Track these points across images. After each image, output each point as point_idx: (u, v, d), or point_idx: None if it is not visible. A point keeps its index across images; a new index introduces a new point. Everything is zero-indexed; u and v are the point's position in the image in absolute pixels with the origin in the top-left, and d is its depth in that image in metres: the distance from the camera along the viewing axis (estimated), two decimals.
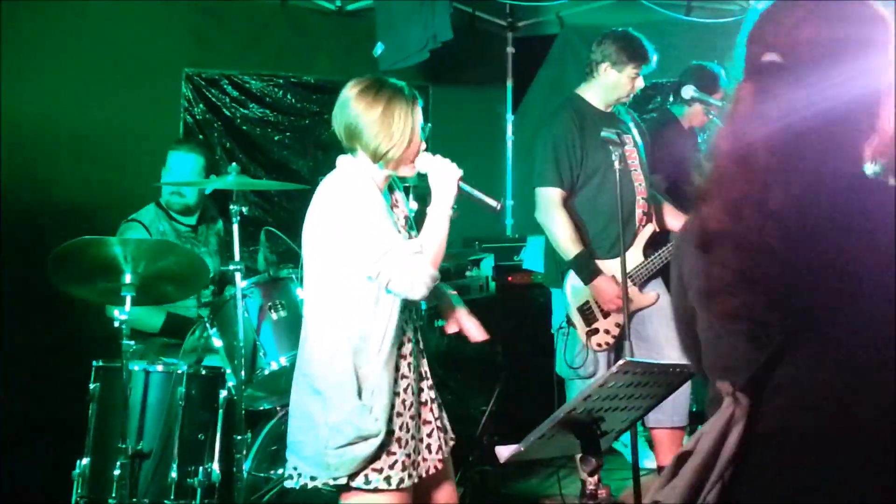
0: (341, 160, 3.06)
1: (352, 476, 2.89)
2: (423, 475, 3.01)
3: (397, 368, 2.97)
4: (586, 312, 4.47)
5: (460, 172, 3.00)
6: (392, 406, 2.94)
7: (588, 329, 4.46)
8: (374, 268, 2.86)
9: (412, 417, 3.00)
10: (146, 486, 3.82)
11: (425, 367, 3.15)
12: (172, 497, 3.82)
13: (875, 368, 1.54)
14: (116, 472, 3.69)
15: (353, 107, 2.95)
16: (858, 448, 1.54)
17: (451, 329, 3.31)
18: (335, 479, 2.91)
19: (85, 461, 3.84)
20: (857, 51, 1.61)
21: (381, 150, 2.93)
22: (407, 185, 3.41)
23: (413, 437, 2.99)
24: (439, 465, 3.05)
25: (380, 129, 2.92)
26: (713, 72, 5.12)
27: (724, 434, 1.61)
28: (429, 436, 3.06)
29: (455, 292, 3.41)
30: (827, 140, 1.58)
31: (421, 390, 3.08)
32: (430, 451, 3.05)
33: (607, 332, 4.45)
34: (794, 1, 1.69)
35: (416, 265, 2.86)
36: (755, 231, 1.56)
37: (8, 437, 4.53)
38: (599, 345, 4.46)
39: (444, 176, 2.98)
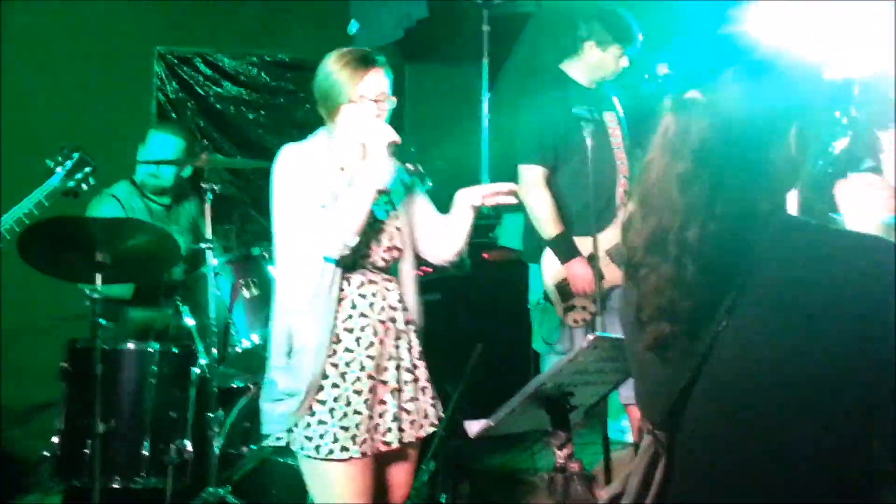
0: (316, 132, 3.09)
1: (291, 440, 2.94)
2: (368, 453, 2.96)
3: (338, 340, 2.96)
4: (564, 289, 4.47)
5: (393, 137, 2.91)
6: (324, 376, 2.93)
7: (565, 305, 4.47)
8: (295, 227, 2.93)
9: (357, 392, 2.95)
10: (118, 464, 3.83)
11: (403, 350, 3.09)
12: (145, 474, 3.83)
13: (758, 405, 1.56)
14: (87, 451, 3.69)
15: (319, 69, 2.99)
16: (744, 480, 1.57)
17: (490, 201, 3.20)
18: (274, 436, 2.98)
19: (57, 439, 3.83)
20: (776, 97, 1.64)
21: (326, 106, 2.96)
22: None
23: (356, 413, 2.94)
24: (383, 448, 3.00)
25: (330, 86, 2.94)
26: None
27: (649, 472, 1.68)
28: (380, 416, 3.01)
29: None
30: (744, 180, 1.59)
31: (385, 369, 3.03)
32: (377, 431, 3.00)
33: (584, 308, 4.45)
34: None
35: (331, 222, 2.87)
36: (673, 264, 1.57)
37: None
38: (576, 321, 4.47)
39: (373, 139, 2.90)
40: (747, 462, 1.55)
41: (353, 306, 3.00)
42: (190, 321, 3.97)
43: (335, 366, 2.95)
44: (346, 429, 2.92)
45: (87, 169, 3.70)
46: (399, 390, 3.06)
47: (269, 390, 2.99)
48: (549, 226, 4.39)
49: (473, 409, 3.62)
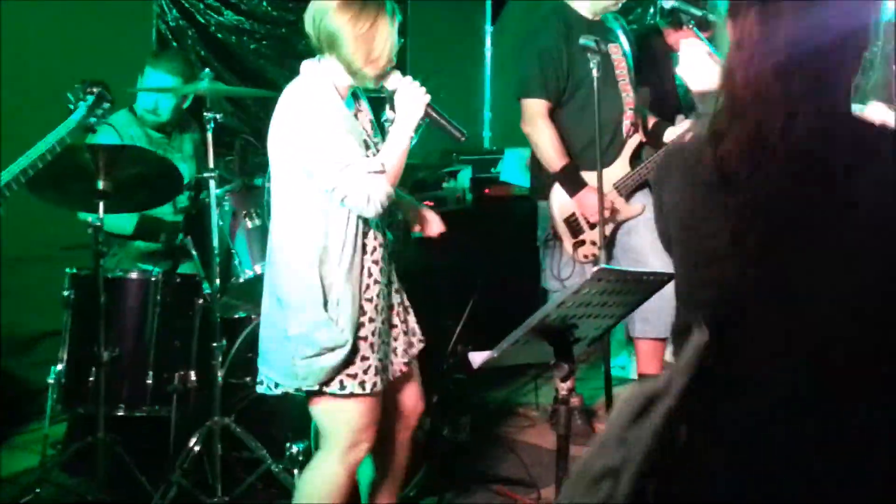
0: (305, 65, 3.01)
1: (325, 383, 2.93)
2: (391, 378, 3.06)
3: (370, 274, 2.99)
4: (572, 224, 4.47)
5: (428, 97, 2.97)
6: (362, 313, 2.96)
7: (575, 241, 4.47)
8: (331, 182, 2.85)
9: (383, 322, 3.03)
10: (122, 392, 3.85)
11: (393, 273, 3.17)
12: (149, 403, 3.85)
13: (833, 336, 1.54)
14: (91, 379, 3.71)
15: (336, 17, 2.88)
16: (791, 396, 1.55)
17: (428, 231, 3.33)
18: (308, 387, 2.95)
19: (60, 367, 3.84)
20: None
21: (357, 65, 2.91)
22: (383, 94, 3.36)
23: (384, 343, 3.03)
24: (404, 368, 3.11)
25: (361, 45, 2.88)
26: None
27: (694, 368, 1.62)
28: (395, 339, 3.12)
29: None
30: (831, 69, 1.57)
31: (390, 294, 3.11)
32: (395, 355, 3.11)
33: (594, 243, 4.43)
34: None
35: (373, 182, 2.86)
36: (775, 170, 1.54)
37: None
38: (586, 256, 4.47)
39: (413, 98, 2.95)
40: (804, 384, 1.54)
41: (375, 238, 3.02)
42: (193, 250, 3.96)
43: (370, 300, 2.98)
44: (381, 360, 2.98)
45: (106, 105, 3.58)
46: (401, 312, 3.16)
47: (299, 348, 2.91)
48: (554, 159, 4.37)
49: (473, 343, 3.64)
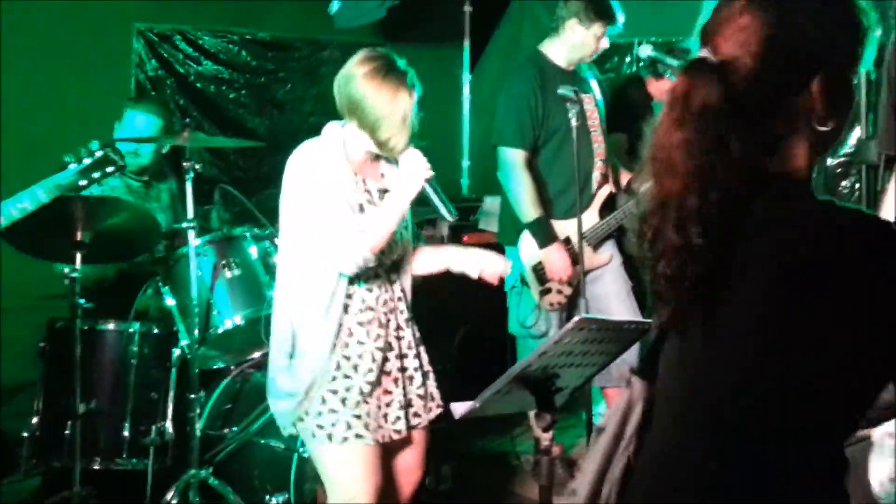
0: (327, 127, 3.09)
1: (301, 430, 3.05)
2: (380, 440, 3.06)
3: (350, 334, 3.03)
4: (540, 272, 4.48)
5: (431, 174, 3.00)
6: (336, 368, 3.00)
7: (541, 288, 4.48)
8: (313, 236, 2.96)
9: (369, 383, 3.03)
10: (98, 445, 3.81)
11: (405, 340, 3.18)
12: (125, 456, 3.82)
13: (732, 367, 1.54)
14: (67, 432, 3.66)
15: (361, 85, 2.93)
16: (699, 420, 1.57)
17: (492, 273, 3.33)
18: (287, 429, 3.10)
19: (35, 420, 3.80)
20: (785, 50, 1.53)
21: (380, 135, 2.94)
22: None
23: (366, 402, 3.03)
24: (394, 436, 3.10)
25: (384, 115, 2.92)
26: None
27: (625, 415, 1.70)
28: (387, 405, 3.10)
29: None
30: (745, 145, 1.52)
31: (386, 360, 3.10)
32: (385, 420, 3.09)
33: (560, 291, 4.46)
34: None
35: (351, 242, 2.91)
36: (677, 230, 1.54)
37: None
38: (552, 304, 4.48)
39: (415, 170, 2.98)
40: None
41: (363, 301, 3.06)
42: (170, 301, 3.94)
43: (347, 358, 3.03)
44: (358, 417, 3.00)
45: (110, 168, 3.44)
46: (410, 378, 3.17)
47: (272, 388, 3.09)
48: (528, 209, 4.39)
49: (453, 391, 3.63)
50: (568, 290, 4.43)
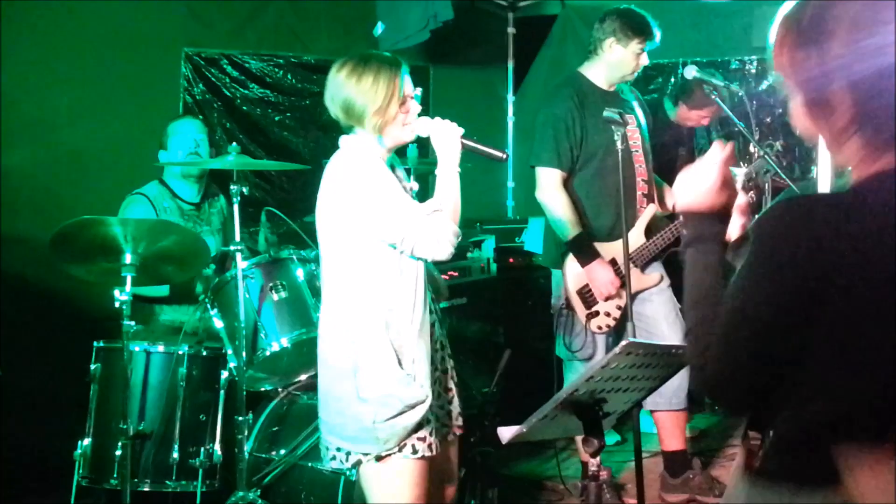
0: (343, 140, 3.10)
1: (400, 448, 2.97)
2: (449, 438, 3.15)
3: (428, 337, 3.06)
4: (586, 295, 4.46)
5: (461, 130, 3.05)
6: (430, 373, 3.03)
7: (588, 312, 4.45)
8: (396, 235, 2.92)
9: (438, 383, 3.10)
10: (148, 467, 3.86)
11: (443, 338, 3.22)
12: (174, 478, 3.85)
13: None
14: (118, 453, 3.70)
15: (343, 84, 3.02)
16: None
17: None
18: (387, 451, 2.96)
19: (87, 442, 3.86)
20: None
21: (374, 117, 2.99)
22: (406, 167, 3.42)
23: (441, 408, 3.11)
24: (458, 431, 3.18)
25: (370, 97, 2.97)
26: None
27: None
28: (449, 402, 3.17)
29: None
30: None
31: (443, 359, 3.17)
32: (450, 418, 3.16)
33: (607, 314, 4.43)
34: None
35: (437, 224, 2.93)
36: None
37: (10, 417, 4.53)
38: (599, 327, 4.46)
39: (446, 135, 3.04)
40: None
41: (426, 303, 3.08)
42: (219, 323, 3.97)
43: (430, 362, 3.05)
44: (438, 420, 3.08)
45: None
46: (452, 375, 3.22)
47: (376, 410, 2.94)
48: (567, 228, 4.38)
49: (501, 415, 3.62)
50: (616, 313, 4.40)
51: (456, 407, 3.18)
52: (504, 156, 3.17)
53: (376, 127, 3.01)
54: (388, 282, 2.96)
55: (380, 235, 2.94)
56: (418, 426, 2.95)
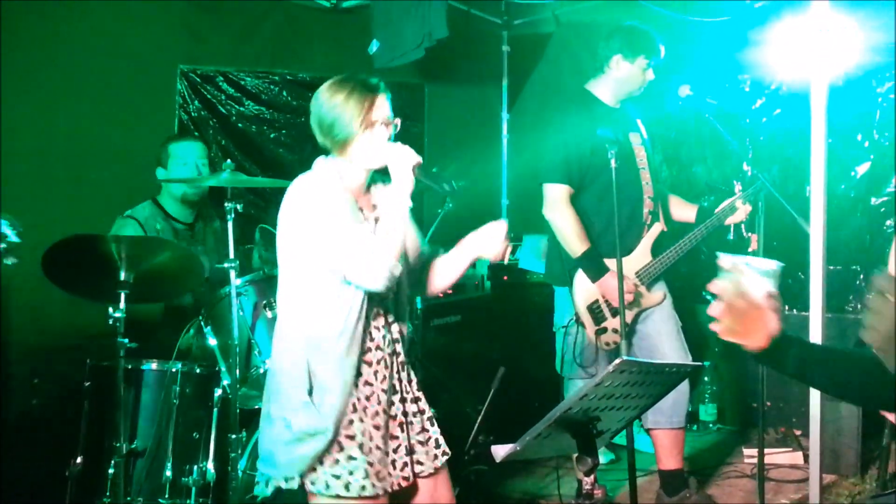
0: (317, 161, 3.07)
1: (312, 481, 2.87)
2: (389, 489, 2.95)
3: (359, 374, 2.95)
4: (595, 311, 4.46)
5: (417, 159, 2.94)
6: (353, 409, 2.91)
7: (597, 328, 4.45)
8: (334, 259, 2.87)
9: (376, 427, 2.95)
10: (141, 485, 3.83)
11: (405, 383, 3.09)
12: (167, 496, 3.83)
13: None
14: (111, 472, 3.69)
15: (318, 101, 3.00)
16: None
17: (494, 250, 3.23)
18: (287, 479, 2.89)
19: (79, 460, 3.83)
20: None
21: (339, 137, 2.95)
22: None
23: (378, 448, 2.94)
24: (403, 483, 2.99)
25: (337, 116, 2.94)
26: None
27: None
28: (395, 451, 3.01)
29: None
30: None
31: (392, 403, 3.03)
32: (394, 467, 2.99)
33: (616, 331, 4.43)
34: None
35: (371, 254, 2.83)
36: None
37: (2, 435, 4.51)
38: (608, 343, 4.46)
39: (401, 162, 2.93)
40: None
41: (372, 338, 2.99)
42: (213, 341, 3.97)
43: (358, 399, 2.94)
44: (371, 464, 2.90)
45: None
46: (408, 423, 3.06)
47: (281, 431, 2.89)
48: (576, 243, 4.39)
49: (494, 433, 3.61)
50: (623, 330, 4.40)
51: (402, 457, 3.01)
52: (448, 188, 3.08)
53: (340, 147, 2.97)
54: (321, 305, 2.90)
55: (319, 258, 2.89)
56: (323, 458, 2.85)
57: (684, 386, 4.48)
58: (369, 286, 2.87)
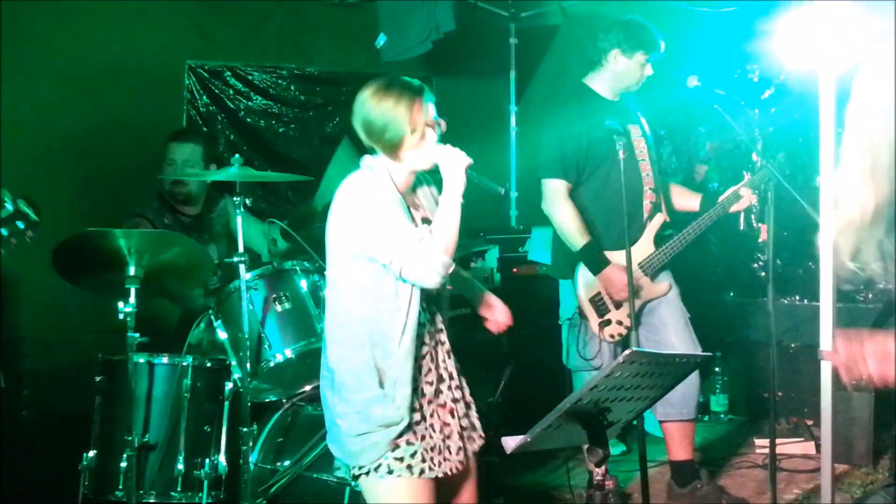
0: (364, 160, 3.12)
1: (376, 468, 2.97)
2: (446, 473, 3.05)
3: (417, 362, 3.03)
4: (598, 304, 4.45)
5: (468, 161, 3.02)
6: (413, 398, 3.01)
7: (601, 320, 4.45)
8: (387, 256, 2.92)
9: (431, 414, 3.06)
10: (153, 478, 3.86)
11: (450, 368, 3.18)
12: (179, 489, 3.84)
13: None
14: (123, 465, 3.71)
15: (366, 104, 3.02)
16: None
17: (493, 318, 3.44)
18: (359, 467, 3.00)
19: (91, 454, 3.85)
20: None
21: (391, 141, 3.00)
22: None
23: (433, 435, 3.04)
24: (459, 467, 3.10)
25: (389, 121, 2.98)
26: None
27: None
28: (448, 437, 3.10)
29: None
30: None
31: (440, 392, 3.11)
32: (450, 452, 3.08)
33: (619, 323, 4.43)
34: None
35: (426, 252, 2.90)
36: None
37: (15, 429, 4.53)
38: (612, 336, 4.45)
39: (453, 163, 3.00)
40: None
41: (418, 335, 3.06)
42: (223, 335, 3.98)
43: (416, 388, 3.04)
44: (428, 450, 3.01)
45: (21, 224, 3.18)
46: (454, 410, 3.14)
47: (353, 426, 2.99)
48: (576, 237, 4.38)
49: (505, 425, 3.62)
50: (628, 322, 4.40)
51: (456, 442, 3.11)
52: (503, 191, 3.21)
53: (392, 150, 3.02)
54: (381, 301, 2.98)
55: (374, 256, 2.95)
56: (395, 447, 2.97)
57: (695, 378, 4.47)
58: (425, 283, 2.94)
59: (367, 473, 2.99)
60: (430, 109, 3.03)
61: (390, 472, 2.96)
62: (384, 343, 2.97)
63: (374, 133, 3.02)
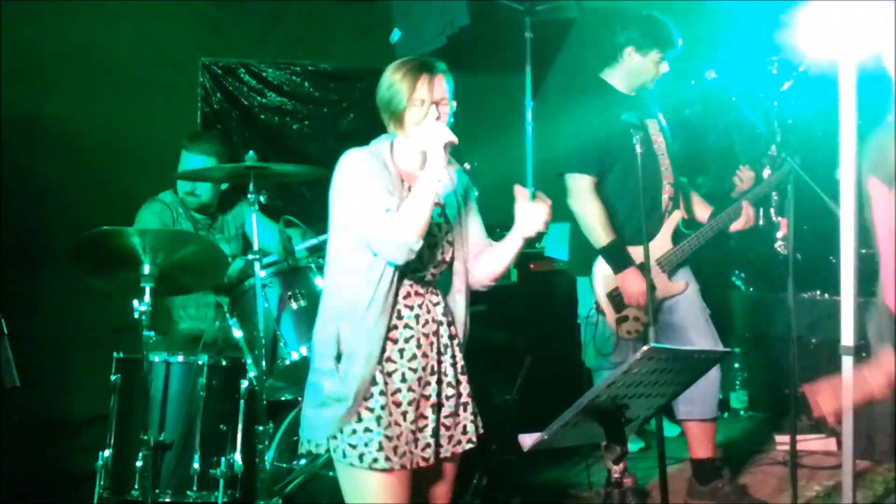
0: (378, 139, 3.11)
1: (334, 448, 2.94)
2: (408, 466, 2.95)
3: (383, 350, 2.96)
4: (616, 299, 4.42)
5: (451, 138, 2.90)
6: (373, 382, 2.93)
7: (618, 316, 4.41)
8: (359, 227, 2.91)
9: (396, 404, 2.96)
10: (169, 477, 3.85)
11: (445, 365, 3.07)
12: (195, 488, 3.84)
13: None
14: (139, 464, 3.70)
15: (382, 79, 3.02)
16: None
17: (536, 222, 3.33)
18: (315, 443, 2.98)
19: (107, 453, 3.86)
20: None
21: (393, 112, 2.98)
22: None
23: (398, 424, 2.95)
24: (422, 463, 2.99)
25: (394, 93, 2.97)
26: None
27: None
28: (420, 430, 3.00)
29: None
30: None
31: (427, 384, 3.02)
32: (416, 446, 2.99)
33: (637, 319, 4.39)
34: None
35: (390, 228, 2.85)
36: None
37: (31, 429, 4.54)
38: (629, 332, 4.41)
39: (430, 141, 2.91)
40: None
41: (399, 316, 3.00)
42: (238, 333, 3.97)
43: (381, 374, 2.96)
44: (389, 438, 2.92)
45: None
46: (440, 405, 3.05)
47: (313, 395, 2.99)
48: (600, 234, 4.34)
49: (522, 422, 3.58)
50: (645, 318, 4.35)
51: (427, 438, 2.99)
52: (467, 167, 3.17)
53: (395, 123, 2.99)
54: (355, 274, 2.95)
55: (350, 226, 2.95)
56: (353, 432, 2.90)
57: (715, 376, 4.43)
58: (388, 258, 2.90)
59: (331, 453, 2.96)
60: (438, 87, 2.96)
61: (344, 457, 2.92)
62: (351, 316, 2.93)
63: (381, 104, 3.01)
